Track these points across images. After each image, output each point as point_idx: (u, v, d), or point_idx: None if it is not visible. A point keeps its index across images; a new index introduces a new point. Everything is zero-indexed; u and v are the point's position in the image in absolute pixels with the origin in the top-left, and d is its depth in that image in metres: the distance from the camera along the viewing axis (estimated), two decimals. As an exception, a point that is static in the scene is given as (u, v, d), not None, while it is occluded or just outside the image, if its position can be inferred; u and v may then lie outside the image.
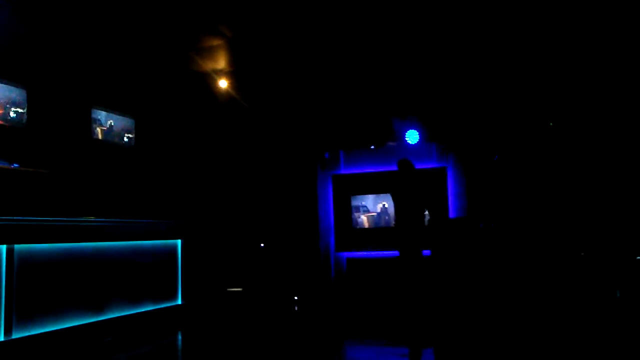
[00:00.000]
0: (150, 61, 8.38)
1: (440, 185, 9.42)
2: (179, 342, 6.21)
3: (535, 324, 6.33)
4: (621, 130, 8.27)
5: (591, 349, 5.21)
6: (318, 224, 9.96)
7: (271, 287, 9.71)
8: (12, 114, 6.78)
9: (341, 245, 9.77)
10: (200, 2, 6.64)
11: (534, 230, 8.23)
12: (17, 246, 5.29)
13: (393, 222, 8.72)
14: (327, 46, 7.95)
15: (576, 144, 8.65)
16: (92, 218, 6.36)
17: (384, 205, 9.50)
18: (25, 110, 6.94)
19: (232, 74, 9.00)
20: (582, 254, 7.69)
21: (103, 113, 8.16)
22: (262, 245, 10.05)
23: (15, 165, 6.32)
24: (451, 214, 9.30)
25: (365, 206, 9.65)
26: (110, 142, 8.28)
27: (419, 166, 9.49)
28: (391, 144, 9.81)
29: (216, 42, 7.82)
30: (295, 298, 8.95)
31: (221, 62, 8.62)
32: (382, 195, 9.46)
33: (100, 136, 8.10)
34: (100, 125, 8.11)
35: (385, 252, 9.27)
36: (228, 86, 9.19)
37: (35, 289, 5.46)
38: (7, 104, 6.74)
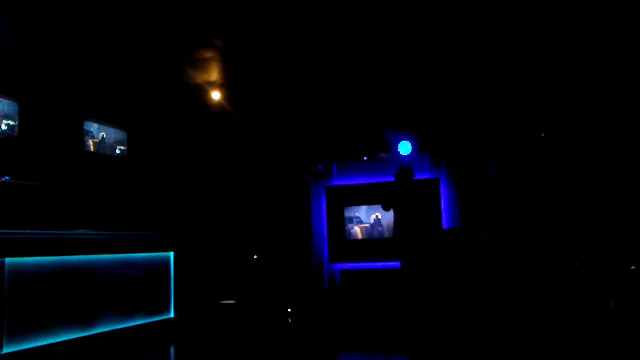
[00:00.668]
0: (143, 73, 8.36)
1: (434, 196, 9.43)
2: (172, 356, 6.14)
3: (530, 335, 6.32)
4: (615, 140, 8.32)
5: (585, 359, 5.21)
6: (311, 236, 9.93)
7: (264, 300, 9.66)
8: (3, 127, 6.74)
9: (335, 256, 9.73)
10: (194, 14, 6.65)
11: (527, 241, 8.25)
12: (8, 259, 5.24)
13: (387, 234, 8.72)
14: (320, 58, 7.98)
15: (569, 154, 8.70)
16: (84, 231, 6.31)
17: (377, 216, 9.49)
18: (17, 123, 6.90)
19: (225, 86, 8.99)
20: (576, 264, 7.71)
21: (95, 125, 8.13)
22: (255, 257, 10.01)
23: (7, 178, 6.27)
24: (444, 225, 9.31)
25: (359, 217, 9.64)
26: (103, 154, 8.24)
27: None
28: (384, 155, 9.84)
29: (209, 54, 7.82)
30: (289, 310, 8.90)
31: (214, 74, 8.62)
32: (375, 206, 9.44)
33: (92, 148, 8.06)
34: (93, 137, 8.08)
35: (378, 264, 9.26)
36: (221, 98, 9.19)
37: (26, 303, 5.40)
38: (-2, 116, 6.70)
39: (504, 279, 7.66)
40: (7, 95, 6.80)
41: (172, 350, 6.38)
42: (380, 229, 9.47)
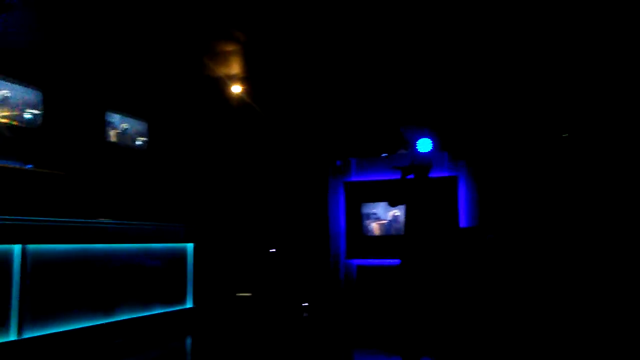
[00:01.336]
0: (165, 66, 8.43)
1: (451, 195, 9.38)
2: (189, 346, 6.20)
3: (545, 339, 6.26)
4: (638, 142, 8.20)
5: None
6: (328, 231, 9.94)
7: (280, 293, 9.69)
8: (27, 115, 6.84)
9: (351, 252, 9.73)
10: (216, 7, 6.68)
11: (544, 241, 8.17)
12: (30, 246, 5.33)
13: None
14: (341, 54, 7.96)
15: (591, 154, 8.59)
16: (104, 220, 6.39)
17: (394, 213, 9.46)
18: (40, 112, 7.00)
19: (246, 79, 9.03)
20: (593, 267, 7.62)
21: (117, 116, 8.22)
22: (272, 250, 10.05)
23: (30, 166, 6.37)
24: (462, 223, 9.26)
25: (376, 214, 9.62)
26: (124, 145, 8.33)
27: (430, 175, 9.44)
28: (403, 152, 9.80)
29: (230, 47, 7.85)
30: (305, 304, 8.92)
31: (235, 68, 8.65)
32: (393, 203, 9.41)
33: (113, 139, 8.14)
34: (114, 128, 8.16)
35: (395, 261, 9.23)
36: (241, 92, 9.23)
37: (47, 289, 5.48)
38: (23, 105, 6.80)
39: (517, 279, 7.60)
40: (31, 84, 6.90)
41: (189, 340, 6.43)
42: (397, 225, 9.44)
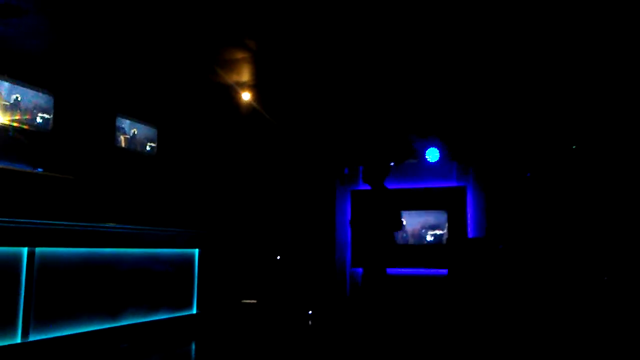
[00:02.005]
0: (175, 72, 8.48)
1: (460, 205, 9.35)
2: (194, 351, 6.20)
3: (556, 352, 6.21)
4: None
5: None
6: (335, 239, 9.93)
7: (286, 300, 9.68)
8: (38, 119, 6.91)
9: (357, 260, 9.71)
10: (227, 15, 6.72)
11: (554, 252, 8.12)
12: (38, 249, 5.36)
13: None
14: (351, 63, 7.98)
15: (599, 165, 8.54)
16: (112, 224, 6.41)
17: (402, 222, 9.42)
18: (51, 116, 7.06)
19: (255, 87, 9.06)
20: (605, 278, 7.56)
21: (127, 121, 8.27)
22: (278, 257, 10.05)
23: (40, 169, 6.42)
24: (470, 233, 9.23)
25: (383, 223, 9.58)
26: (133, 150, 8.38)
27: (439, 185, 9.46)
28: (411, 161, 9.80)
29: (240, 55, 7.88)
30: (310, 312, 8.90)
31: (245, 75, 8.68)
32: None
33: (123, 144, 8.20)
34: (124, 133, 8.22)
35: (401, 270, 9.20)
36: (250, 99, 9.26)
37: (53, 292, 5.50)
38: (34, 109, 6.87)
39: (530, 291, 7.54)
40: (43, 88, 6.97)
41: (194, 345, 6.43)
42: (404, 235, 9.42)
